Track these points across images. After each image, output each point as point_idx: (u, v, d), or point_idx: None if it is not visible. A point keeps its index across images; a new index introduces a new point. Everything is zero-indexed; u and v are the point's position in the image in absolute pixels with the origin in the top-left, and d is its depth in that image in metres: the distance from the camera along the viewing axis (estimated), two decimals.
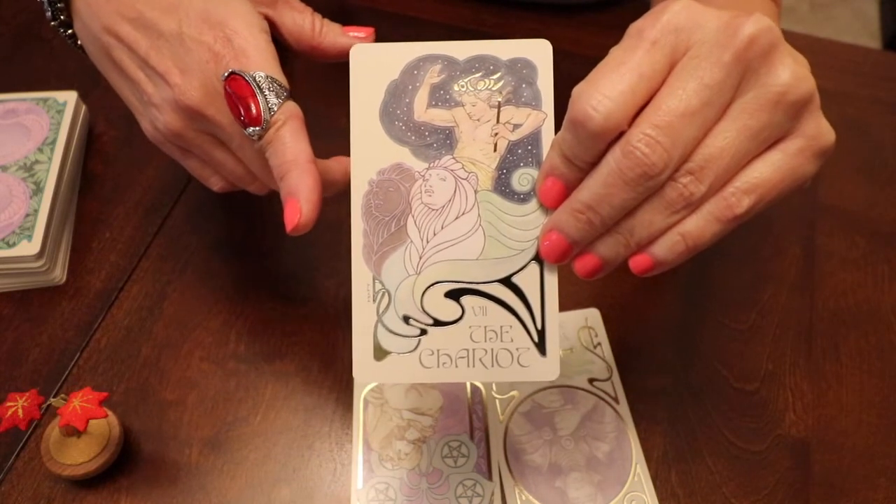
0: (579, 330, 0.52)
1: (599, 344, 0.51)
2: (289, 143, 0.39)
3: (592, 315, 0.52)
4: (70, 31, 0.46)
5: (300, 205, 0.38)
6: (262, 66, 0.40)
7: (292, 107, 0.40)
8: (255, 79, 0.39)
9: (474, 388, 0.49)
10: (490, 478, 0.46)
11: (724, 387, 0.50)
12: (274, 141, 0.39)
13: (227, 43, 0.40)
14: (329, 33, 0.44)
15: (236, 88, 0.39)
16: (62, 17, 0.45)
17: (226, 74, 0.40)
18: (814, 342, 0.52)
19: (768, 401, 0.49)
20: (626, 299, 0.54)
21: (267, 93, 0.39)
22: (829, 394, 0.50)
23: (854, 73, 0.68)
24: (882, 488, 0.46)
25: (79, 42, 0.46)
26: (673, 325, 0.53)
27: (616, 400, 0.49)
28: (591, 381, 0.50)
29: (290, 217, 0.39)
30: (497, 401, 0.49)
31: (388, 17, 0.70)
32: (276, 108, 0.39)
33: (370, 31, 0.45)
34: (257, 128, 0.39)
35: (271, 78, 0.40)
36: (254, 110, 0.39)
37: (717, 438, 0.48)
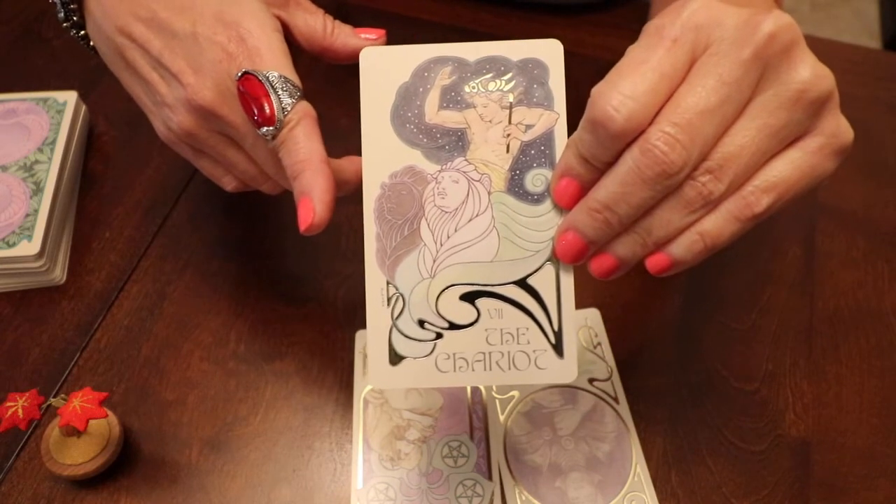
0: (579, 330, 0.52)
1: (599, 344, 0.51)
2: (302, 142, 0.39)
3: (592, 315, 0.52)
4: (82, 32, 0.46)
5: (313, 204, 0.38)
6: (276, 65, 0.40)
7: (306, 106, 0.40)
8: (268, 78, 0.39)
9: (474, 389, 0.49)
10: (490, 478, 0.46)
11: (724, 387, 0.50)
12: (287, 141, 0.39)
13: (241, 42, 0.40)
14: (340, 35, 0.44)
15: (249, 88, 0.39)
16: (75, 18, 0.45)
17: (239, 74, 0.39)
18: (814, 342, 0.52)
19: (768, 401, 0.49)
20: (626, 299, 0.54)
21: (280, 92, 0.39)
22: (829, 394, 0.50)
23: (854, 73, 0.68)
24: (882, 488, 0.46)
25: (91, 43, 0.46)
26: (673, 325, 0.53)
27: (616, 400, 0.49)
28: (591, 381, 0.49)
29: (303, 217, 0.38)
30: (497, 401, 0.49)
31: (387, 16, 0.70)
32: (289, 108, 0.39)
33: (381, 32, 0.45)
34: (271, 127, 0.39)
35: (284, 77, 0.39)
36: (267, 110, 0.39)
37: (717, 438, 0.48)
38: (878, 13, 1.89)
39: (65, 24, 0.46)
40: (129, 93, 0.45)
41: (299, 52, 0.45)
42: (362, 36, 0.44)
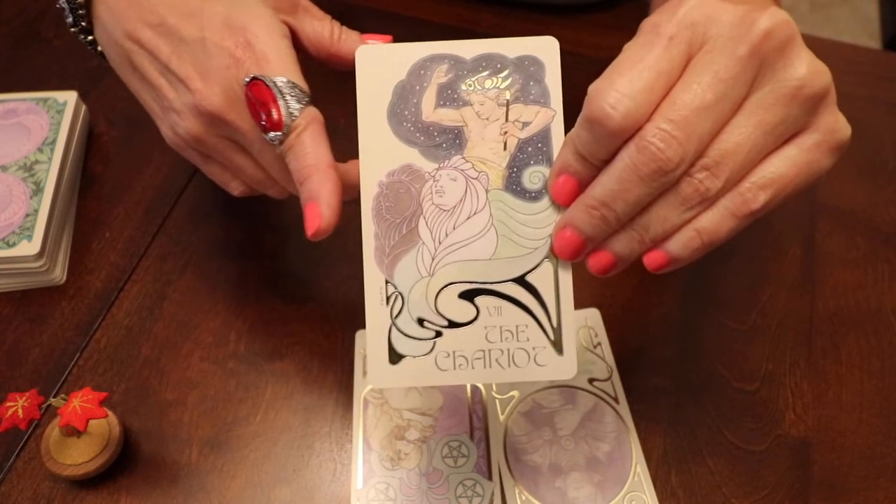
0: (579, 330, 0.52)
1: (599, 344, 0.51)
2: (309, 147, 0.39)
3: (592, 315, 0.52)
4: (90, 38, 0.46)
5: (321, 209, 0.38)
6: (283, 70, 0.40)
7: (313, 112, 0.40)
8: (276, 84, 0.39)
9: (474, 388, 0.49)
10: (490, 478, 0.46)
11: (724, 387, 0.50)
12: (294, 146, 0.39)
13: (249, 48, 0.40)
14: (347, 41, 0.44)
15: (257, 94, 0.39)
16: (83, 23, 0.45)
17: (247, 80, 0.39)
18: (814, 342, 0.52)
19: (768, 401, 0.49)
20: (626, 299, 0.54)
21: (288, 98, 0.39)
22: (829, 394, 0.50)
23: (854, 73, 0.68)
24: (882, 488, 0.46)
25: (98, 48, 0.46)
26: (673, 325, 0.53)
27: (616, 400, 0.49)
28: (591, 381, 0.49)
29: (310, 221, 0.38)
30: (497, 401, 0.49)
31: (388, 16, 0.70)
32: (297, 114, 0.39)
33: (388, 38, 0.45)
34: (278, 133, 0.39)
35: (292, 83, 0.40)
36: (275, 115, 0.39)
37: (717, 438, 0.48)
38: (878, 13, 1.89)
39: (73, 29, 0.46)
40: (137, 98, 0.45)
41: (306, 58, 0.45)
42: (369, 42, 0.44)
